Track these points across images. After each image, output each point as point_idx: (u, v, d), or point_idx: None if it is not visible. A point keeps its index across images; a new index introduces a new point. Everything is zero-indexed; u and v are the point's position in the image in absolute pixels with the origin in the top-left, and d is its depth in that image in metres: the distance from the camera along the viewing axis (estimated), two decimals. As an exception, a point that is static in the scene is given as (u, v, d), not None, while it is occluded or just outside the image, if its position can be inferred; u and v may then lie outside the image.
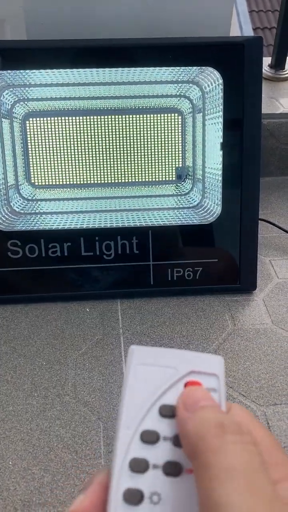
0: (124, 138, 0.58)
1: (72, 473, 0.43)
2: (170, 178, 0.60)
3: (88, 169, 0.59)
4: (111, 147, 0.58)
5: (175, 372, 0.23)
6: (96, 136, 0.58)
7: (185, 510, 0.20)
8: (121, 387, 0.23)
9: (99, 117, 0.57)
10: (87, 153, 0.58)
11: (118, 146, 0.58)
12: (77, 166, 0.59)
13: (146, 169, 0.60)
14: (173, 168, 0.60)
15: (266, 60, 0.87)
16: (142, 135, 0.58)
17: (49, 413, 0.47)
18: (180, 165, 0.60)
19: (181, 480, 0.21)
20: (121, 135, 0.58)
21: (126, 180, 0.60)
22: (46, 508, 0.40)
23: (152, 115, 0.58)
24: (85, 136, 0.58)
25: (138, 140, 0.59)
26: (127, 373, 0.23)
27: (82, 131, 0.58)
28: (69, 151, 0.58)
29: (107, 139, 0.58)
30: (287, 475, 0.21)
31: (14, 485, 0.42)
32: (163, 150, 0.59)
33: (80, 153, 0.58)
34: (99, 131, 0.58)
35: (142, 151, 0.59)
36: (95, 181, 0.59)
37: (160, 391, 0.22)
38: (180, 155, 0.60)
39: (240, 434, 0.20)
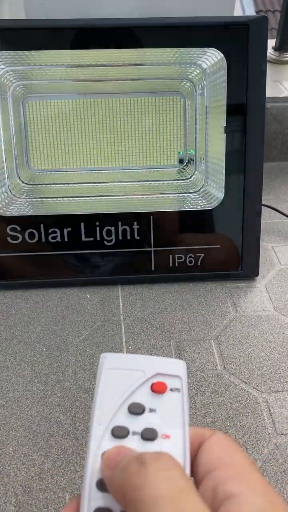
0: (125, 121, 0.57)
1: (72, 459, 0.42)
2: (172, 163, 0.59)
3: (88, 153, 0.58)
4: (111, 130, 0.57)
5: (142, 375, 0.25)
6: (96, 120, 0.57)
7: None
8: (94, 389, 0.25)
9: (99, 100, 0.56)
10: (87, 137, 0.57)
11: (118, 129, 0.57)
12: (77, 150, 0.58)
13: (147, 153, 0.59)
14: (175, 153, 0.59)
15: (270, 43, 0.85)
16: (143, 118, 0.57)
17: (50, 400, 0.47)
18: (182, 150, 0.59)
19: None
20: (121, 118, 0.57)
21: (127, 165, 0.59)
22: (47, 494, 0.40)
23: (153, 98, 0.57)
24: (85, 119, 0.57)
25: (139, 123, 0.57)
26: (99, 376, 0.25)
27: (82, 114, 0.57)
28: (69, 134, 0.57)
29: (107, 122, 0.57)
30: (252, 488, 0.21)
31: (15, 471, 0.42)
32: (164, 134, 0.58)
33: (80, 136, 0.57)
34: (100, 114, 0.57)
35: (143, 134, 0.58)
36: (96, 166, 0.59)
37: (129, 391, 0.25)
38: (182, 139, 0.59)
39: (159, 461, 0.21)
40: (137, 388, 0.25)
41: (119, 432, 0.24)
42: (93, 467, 0.23)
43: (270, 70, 0.81)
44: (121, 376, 0.25)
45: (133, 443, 0.23)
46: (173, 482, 0.20)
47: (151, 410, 0.24)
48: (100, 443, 0.23)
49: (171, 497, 0.19)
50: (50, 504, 0.40)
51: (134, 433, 0.24)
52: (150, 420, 0.24)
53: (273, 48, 0.85)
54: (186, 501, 0.19)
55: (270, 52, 0.85)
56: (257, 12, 3.77)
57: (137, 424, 0.24)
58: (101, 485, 0.22)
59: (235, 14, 0.60)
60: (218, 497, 0.21)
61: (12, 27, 0.51)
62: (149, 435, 0.23)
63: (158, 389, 0.25)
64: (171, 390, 0.25)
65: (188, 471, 0.23)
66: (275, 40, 0.85)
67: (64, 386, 0.48)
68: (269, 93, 0.76)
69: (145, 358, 0.26)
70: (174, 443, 0.23)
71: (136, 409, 0.24)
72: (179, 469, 0.21)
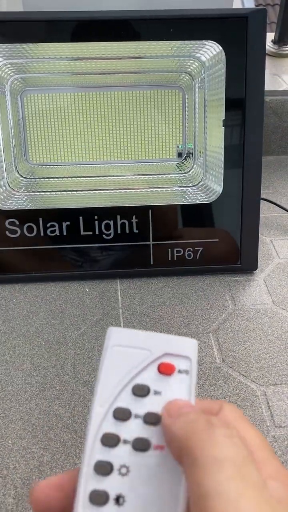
0: (124, 115, 0.57)
1: (71, 452, 0.43)
2: (171, 156, 0.59)
3: (86, 147, 0.58)
4: (110, 124, 0.57)
5: (149, 354, 0.24)
6: (95, 113, 0.57)
7: (150, 483, 0.22)
8: (98, 366, 0.24)
9: (98, 93, 0.56)
10: (85, 130, 0.57)
11: (117, 123, 0.57)
12: (75, 144, 0.58)
13: (146, 147, 0.59)
14: (174, 146, 0.59)
15: (269, 36, 0.85)
16: (141, 111, 0.57)
17: (49, 393, 0.47)
18: (181, 143, 0.59)
19: (148, 455, 0.22)
20: (120, 112, 0.57)
21: (126, 158, 0.59)
22: (46, 487, 0.40)
23: (152, 91, 0.57)
24: (84, 113, 0.57)
25: (138, 117, 0.57)
26: (104, 354, 0.24)
27: (80, 107, 0.56)
28: (67, 127, 0.57)
29: (106, 116, 0.57)
30: (274, 473, 0.21)
31: (14, 463, 0.42)
32: (163, 128, 0.58)
33: (78, 130, 0.57)
34: (98, 107, 0.57)
35: (142, 128, 0.58)
36: (94, 159, 0.58)
37: (134, 371, 0.24)
38: (181, 132, 0.59)
39: (227, 428, 0.21)
40: (143, 369, 0.24)
41: (121, 415, 0.23)
42: (92, 448, 0.22)
43: (269, 64, 0.81)
44: (127, 354, 0.24)
45: (134, 427, 0.23)
46: (237, 449, 0.20)
47: (156, 393, 0.23)
48: (100, 424, 0.23)
49: (235, 461, 0.19)
50: (49, 496, 0.40)
51: (137, 416, 0.23)
52: (154, 404, 0.23)
53: (272, 41, 0.85)
54: (248, 468, 0.19)
55: (269, 45, 0.84)
56: (256, 5, 3.75)
57: (140, 407, 0.23)
58: (99, 468, 0.22)
59: (235, 4, 0.60)
60: None
61: (10, 19, 0.51)
62: (151, 419, 0.23)
63: (165, 370, 0.24)
64: (179, 371, 0.24)
65: None
66: (274, 33, 0.85)
67: (63, 380, 0.48)
68: (268, 86, 0.76)
69: (154, 336, 0.25)
70: None
71: (140, 391, 0.23)
72: (242, 439, 0.21)
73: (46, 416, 0.45)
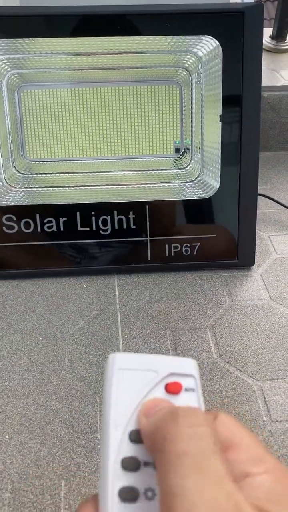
0: (121, 111, 0.57)
1: (68, 447, 0.43)
2: (168, 152, 0.59)
3: (84, 142, 0.58)
4: (107, 120, 0.57)
5: (155, 375, 0.24)
6: (92, 109, 0.57)
7: None
8: (103, 391, 0.24)
9: (95, 88, 0.56)
10: (83, 126, 0.57)
11: (114, 119, 0.57)
12: (72, 140, 0.58)
13: (143, 142, 0.58)
14: (171, 142, 0.59)
15: (267, 31, 0.85)
16: (138, 106, 0.57)
17: (46, 388, 0.47)
18: (178, 139, 0.59)
19: None
20: (117, 108, 0.57)
21: (123, 154, 0.59)
22: (43, 481, 0.40)
23: (149, 86, 0.57)
24: (81, 108, 0.57)
25: (135, 113, 0.57)
26: (111, 377, 0.24)
27: (77, 103, 0.56)
28: (64, 123, 0.57)
29: (103, 111, 0.57)
30: (270, 468, 0.21)
31: (11, 458, 0.42)
32: (160, 123, 0.58)
33: (75, 126, 0.57)
34: (95, 103, 0.57)
35: (139, 124, 0.58)
36: (91, 155, 0.58)
37: (143, 392, 0.24)
38: (178, 128, 0.58)
39: (193, 416, 0.21)
40: (151, 389, 0.24)
41: (137, 437, 0.22)
42: (113, 473, 0.22)
43: (267, 59, 0.81)
44: (134, 377, 0.24)
45: None
46: (201, 440, 0.20)
47: None
48: (119, 448, 0.22)
49: (195, 455, 0.19)
50: (46, 491, 0.40)
51: None
52: None
53: (270, 36, 0.85)
54: (209, 462, 0.19)
55: (267, 40, 0.84)
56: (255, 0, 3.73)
57: None
58: (125, 495, 0.21)
59: (232, 1, 0.60)
60: (234, 477, 0.20)
61: (7, 14, 0.51)
62: None
63: (173, 389, 0.24)
64: (186, 390, 0.24)
65: None
66: (272, 28, 0.85)
67: (60, 375, 0.48)
68: (266, 82, 0.76)
69: (156, 358, 0.25)
70: None
71: None
72: (209, 428, 0.20)
73: (43, 411, 0.45)
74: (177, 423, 0.20)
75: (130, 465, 0.22)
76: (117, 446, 0.22)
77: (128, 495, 0.21)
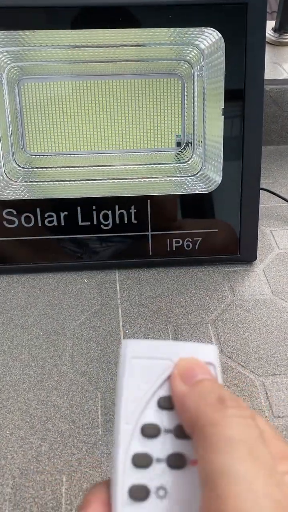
0: (122, 104, 0.56)
1: (69, 442, 0.43)
2: (170, 146, 0.59)
3: (84, 136, 0.57)
4: (108, 113, 0.57)
5: (170, 364, 0.22)
6: (93, 102, 0.56)
7: (191, 502, 0.20)
8: (117, 381, 0.23)
9: (96, 81, 0.55)
10: (83, 119, 0.57)
11: (115, 112, 0.57)
12: (73, 133, 0.57)
13: (145, 136, 0.58)
14: (173, 135, 0.59)
15: (270, 24, 0.84)
16: (140, 100, 0.56)
17: (47, 383, 0.47)
18: (180, 132, 0.58)
19: (186, 472, 0.21)
20: (118, 101, 0.56)
21: (124, 148, 0.58)
22: (44, 476, 0.40)
23: (151, 79, 0.56)
24: (82, 102, 0.56)
25: (136, 106, 0.57)
26: (123, 368, 0.22)
27: (78, 97, 0.56)
28: (65, 117, 0.56)
29: (104, 104, 0.56)
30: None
31: (12, 453, 0.42)
32: (162, 116, 0.58)
33: (76, 119, 0.57)
34: (96, 96, 0.56)
35: (141, 117, 0.57)
36: (92, 149, 0.58)
37: (157, 383, 0.22)
38: (180, 121, 0.58)
39: (239, 408, 0.21)
40: (166, 379, 0.22)
41: (150, 431, 0.21)
42: (123, 472, 0.21)
43: (269, 52, 0.80)
44: (147, 366, 0.22)
45: (166, 443, 0.21)
46: (249, 430, 0.20)
47: None
48: (129, 444, 0.21)
49: (246, 441, 0.19)
50: (47, 486, 0.40)
51: (167, 431, 0.21)
52: None
53: (273, 29, 0.84)
54: (261, 451, 0.19)
55: (270, 33, 0.84)
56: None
57: (168, 420, 0.22)
58: (134, 494, 0.20)
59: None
60: None
61: (6, 5, 0.50)
62: (183, 431, 0.21)
63: None
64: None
65: None
66: (274, 21, 0.84)
67: (61, 370, 0.48)
68: (269, 75, 0.75)
69: (172, 344, 0.23)
70: None
71: (166, 404, 0.22)
72: (255, 420, 0.20)
73: (44, 407, 0.45)
74: (226, 411, 0.20)
75: (141, 461, 0.21)
76: (128, 441, 0.21)
77: (138, 493, 0.20)
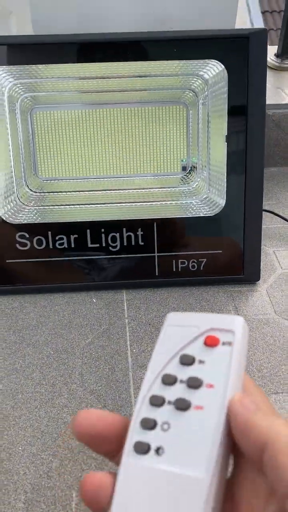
0: (129, 131, 0.59)
1: (79, 459, 0.44)
2: (175, 170, 0.61)
3: (94, 161, 0.60)
4: (116, 139, 0.59)
5: (196, 330, 0.28)
6: (102, 129, 0.59)
7: (188, 438, 0.25)
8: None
9: (104, 110, 0.58)
10: (92, 145, 0.59)
11: (123, 139, 0.59)
12: (83, 159, 0.60)
13: (151, 161, 0.60)
14: (178, 160, 0.61)
15: (272, 49, 0.86)
16: (147, 127, 0.59)
17: (57, 401, 0.49)
18: (185, 157, 0.61)
19: (188, 414, 0.25)
20: (126, 128, 0.59)
21: (132, 173, 0.61)
22: (55, 492, 0.42)
23: (157, 107, 0.58)
24: (91, 129, 0.59)
25: (143, 132, 0.59)
26: (161, 333, 0.28)
27: (87, 124, 0.58)
28: (75, 143, 0.59)
29: (112, 131, 0.59)
30: None
31: (24, 469, 0.44)
32: (168, 142, 0.60)
33: (86, 145, 0.59)
34: (105, 123, 0.59)
35: (147, 143, 0.60)
36: (101, 174, 0.60)
37: (182, 344, 0.27)
38: (185, 147, 0.60)
39: None
40: (190, 342, 0.27)
41: (168, 379, 0.26)
42: (140, 407, 0.26)
43: (272, 77, 0.83)
44: (178, 331, 0.28)
45: (178, 390, 0.26)
46: None
47: (201, 362, 0.27)
48: (150, 387, 0.27)
49: None
50: (57, 501, 0.41)
51: (182, 381, 0.26)
52: (197, 370, 0.26)
53: (275, 55, 0.87)
54: None
55: (272, 58, 0.86)
56: (263, 12, 3.76)
57: (185, 373, 0.26)
58: (144, 423, 0.26)
59: (240, 12, 0.61)
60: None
61: (20, 42, 0.53)
62: (194, 383, 0.26)
63: (210, 342, 0.27)
64: (223, 343, 0.27)
65: (223, 419, 0.25)
66: (277, 47, 0.86)
67: (71, 388, 0.50)
68: (271, 99, 0.78)
69: (204, 315, 0.28)
70: (216, 393, 0.25)
71: (186, 360, 0.27)
72: None
73: (54, 424, 0.47)
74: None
75: (156, 401, 0.26)
76: (149, 385, 0.27)
77: (147, 424, 0.26)
